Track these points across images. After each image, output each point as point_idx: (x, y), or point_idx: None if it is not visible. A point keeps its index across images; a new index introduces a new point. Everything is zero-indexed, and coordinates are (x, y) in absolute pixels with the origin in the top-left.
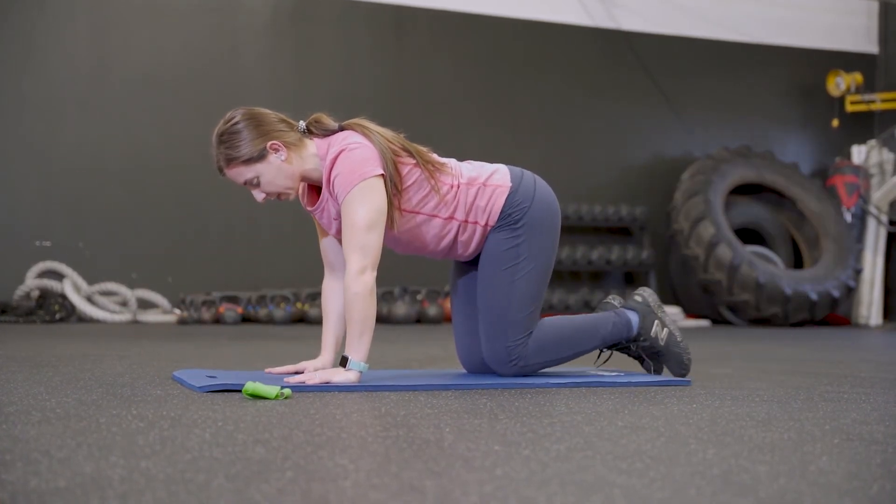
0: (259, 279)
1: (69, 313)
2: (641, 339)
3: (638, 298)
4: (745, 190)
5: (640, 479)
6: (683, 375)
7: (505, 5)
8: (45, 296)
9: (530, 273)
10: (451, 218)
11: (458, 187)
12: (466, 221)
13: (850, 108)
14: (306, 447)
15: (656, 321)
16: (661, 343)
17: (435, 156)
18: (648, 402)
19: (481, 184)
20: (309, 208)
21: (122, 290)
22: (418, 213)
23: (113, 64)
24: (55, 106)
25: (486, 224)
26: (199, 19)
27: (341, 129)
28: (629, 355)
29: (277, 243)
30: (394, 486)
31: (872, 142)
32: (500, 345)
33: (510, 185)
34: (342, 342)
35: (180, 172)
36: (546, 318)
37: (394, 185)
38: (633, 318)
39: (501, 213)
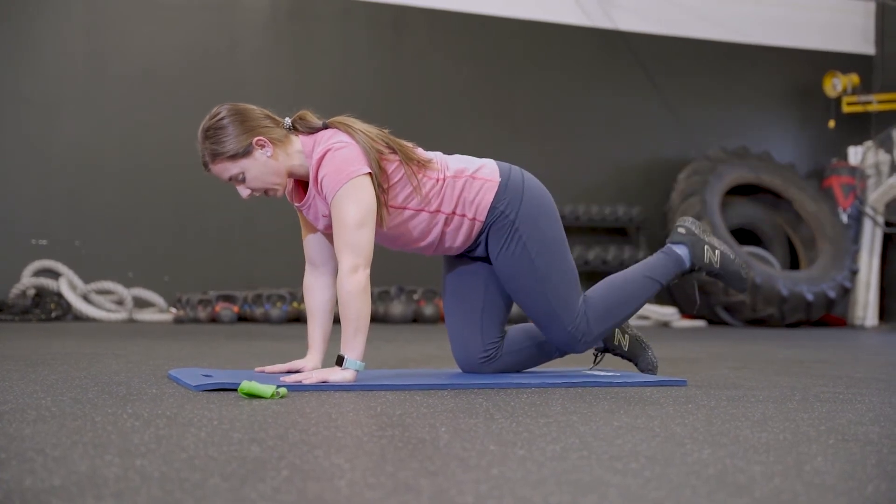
0: (255, 278)
1: (65, 312)
2: (697, 268)
3: (681, 230)
4: (741, 190)
5: (636, 478)
6: (744, 290)
7: (502, 5)
8: (42, 294)
9: (551, 264)
10: (437, 211)
11: (444, 180)
12: (454, 214)
13: (846, 109)
14: (302, 446)
15: (706, 247)
16: (717, 266)
17: (420, 151)
18: (644, 402)
19: (469, 176)
20: (296, 204)
21: (119, 288)
22: (405, 208)
23: (110, 61)
24: (52, 103)
25: (474, 218)
26: (197, 16)
27: (325, 126)
28: (623, 356)
29: (274, 242)
30: (389, 486)
31: (869, 143)
32: (561, 333)
33: (499, 179)
34: (329, 338)
35: (177, 171)
36: (592, 288)
37: (379, 184)
38: (682, 251)
39: (491, 207)
